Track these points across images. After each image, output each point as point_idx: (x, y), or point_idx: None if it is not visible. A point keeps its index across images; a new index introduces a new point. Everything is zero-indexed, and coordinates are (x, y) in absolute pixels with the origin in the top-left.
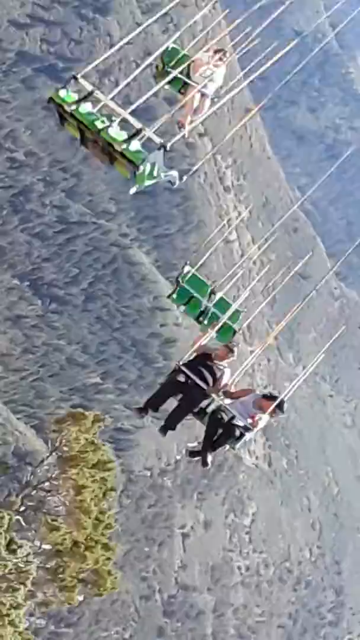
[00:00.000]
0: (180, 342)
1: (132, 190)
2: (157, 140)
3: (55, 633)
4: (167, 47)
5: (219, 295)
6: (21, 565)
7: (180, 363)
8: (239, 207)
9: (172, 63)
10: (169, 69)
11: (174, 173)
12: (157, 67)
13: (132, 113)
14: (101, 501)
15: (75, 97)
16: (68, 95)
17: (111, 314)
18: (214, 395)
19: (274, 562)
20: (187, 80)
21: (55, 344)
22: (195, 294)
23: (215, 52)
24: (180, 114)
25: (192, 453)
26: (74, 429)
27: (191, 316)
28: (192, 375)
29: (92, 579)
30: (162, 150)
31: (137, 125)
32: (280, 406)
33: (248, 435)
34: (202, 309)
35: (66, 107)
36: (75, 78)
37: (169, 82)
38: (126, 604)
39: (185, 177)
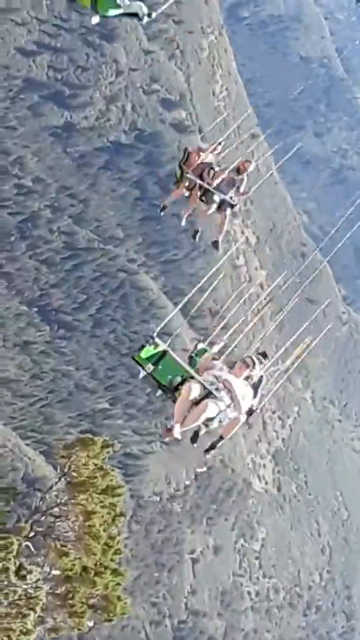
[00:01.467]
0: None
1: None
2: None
3: None
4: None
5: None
6: (31, 591)
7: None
8: (246, 232)
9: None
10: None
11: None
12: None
13: None
14: (110, 526)
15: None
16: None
17: (119, 340)
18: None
19: (283, 587)
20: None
21: (64, 369)
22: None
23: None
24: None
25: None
26: (83, 455)
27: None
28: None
29: (101, 605)
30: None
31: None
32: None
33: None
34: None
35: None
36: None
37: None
38: (136, 629)
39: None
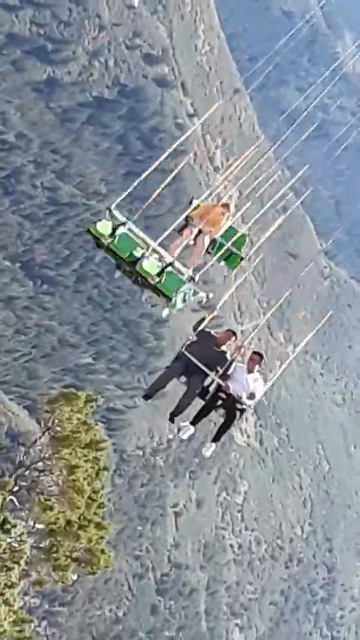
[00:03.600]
0: (172, 322)
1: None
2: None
3: (49, 612)
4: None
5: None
6: (15, 544)
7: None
8: (228, 187)
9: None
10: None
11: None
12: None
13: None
14: (94, 480)
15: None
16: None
17: (102, 295)
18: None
19: (265, 540)
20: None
21: (47, 324)
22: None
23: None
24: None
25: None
26: (67, 409)
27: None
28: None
29: (85, 558)
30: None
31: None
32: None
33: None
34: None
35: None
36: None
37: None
38: (119, 582)
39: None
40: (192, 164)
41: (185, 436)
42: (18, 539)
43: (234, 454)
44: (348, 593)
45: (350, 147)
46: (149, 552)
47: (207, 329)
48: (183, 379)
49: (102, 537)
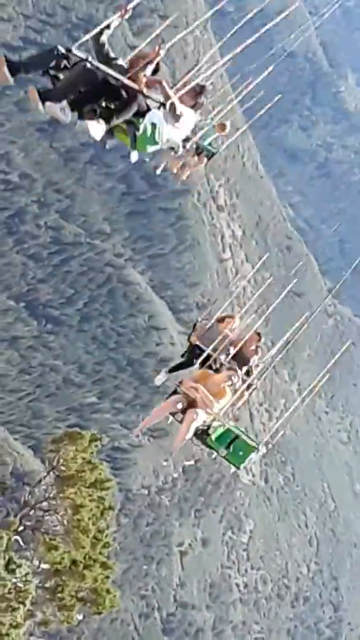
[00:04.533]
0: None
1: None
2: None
3: None
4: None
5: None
6: (20, 584)
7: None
8: (232, 226)
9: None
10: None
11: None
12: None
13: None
14: (99, 520)
15: None
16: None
17: (107, 334)
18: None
19: (272, 579)
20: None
21: (52, 364)
22: None
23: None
24: None
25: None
26: (71, 449)
27: None
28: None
29: (91, 598)
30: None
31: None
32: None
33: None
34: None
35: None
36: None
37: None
38: (125, 622)
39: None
40: (195, 203)
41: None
42: (23, 579)
43: (239, 492)
44: (355, 632)
45: (354, 185)
46: (155, 591)
47: None
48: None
49: (107, 577)
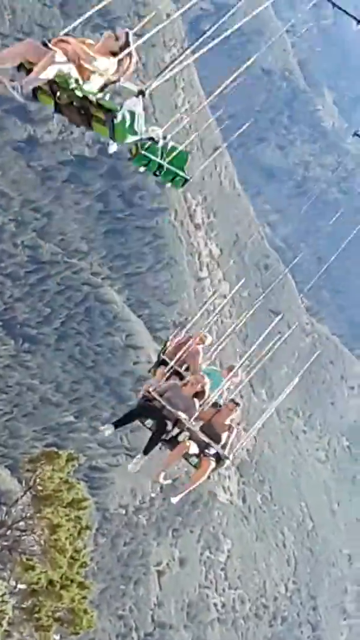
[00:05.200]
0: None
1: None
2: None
3: None
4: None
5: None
6: None
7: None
8: (209, 245)
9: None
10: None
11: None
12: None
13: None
14: (76, 540)
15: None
16: None
17: (84, 353)
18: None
19: (249, 598)
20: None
21: (29, 383)
22: (152, 157)
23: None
24: None
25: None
26: (48, 468)
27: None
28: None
29: (68, 618)
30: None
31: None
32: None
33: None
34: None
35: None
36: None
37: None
38: None
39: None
40: (172, 221)
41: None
42: (0, 599)
43: (217, 512)
44: None
45: (331, 203)
46: (132, 611)
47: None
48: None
49: (84, 597)
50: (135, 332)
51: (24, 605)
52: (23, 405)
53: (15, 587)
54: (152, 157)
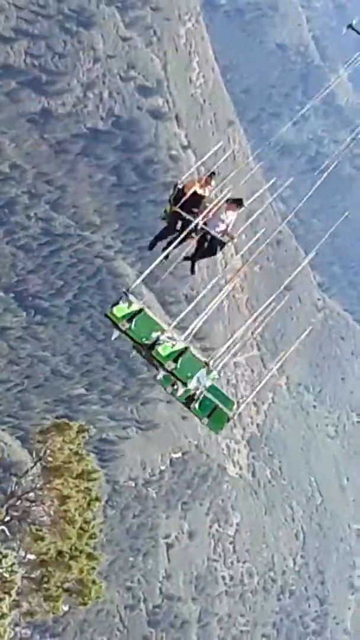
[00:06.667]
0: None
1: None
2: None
3: None
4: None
5: (213, 375)
6: (6, 575)
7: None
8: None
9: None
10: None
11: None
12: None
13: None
14: (85, 511)
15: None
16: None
17: (96, 326)
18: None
19: (258, 572)
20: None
21: (40, 355)
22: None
23: (231, 201)
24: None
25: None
26: (59, 440)
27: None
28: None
29: (76, 589)
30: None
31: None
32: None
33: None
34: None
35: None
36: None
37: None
38: (111, 613)
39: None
40: None
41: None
42: (9, 569)
43: (226, 485)
44: (340, 626)
45: (344, 179)
46: (141, 583)
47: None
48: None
49: (93, 568)
50: (148, 305)
51: (33, 576)
52: (34, 377)
53: (24, 557)
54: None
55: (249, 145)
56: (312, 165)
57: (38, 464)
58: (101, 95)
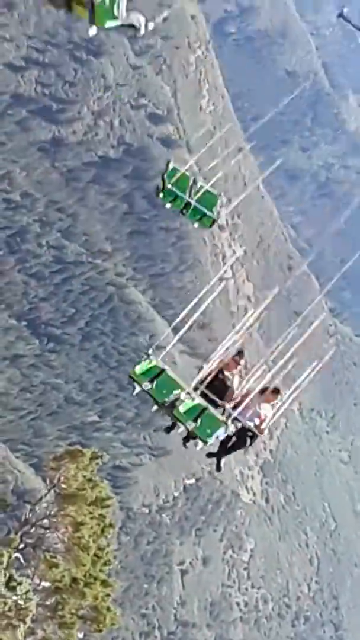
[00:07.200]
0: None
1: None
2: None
3: None
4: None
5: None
6: (21, 602)
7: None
8: (233, 246)
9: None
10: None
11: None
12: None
13: None
14: (100, 538)
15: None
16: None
17: (108, 353)
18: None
19: (272, 598)
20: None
21: (53, 382)
22: (179, 193)
23: (270, 391)
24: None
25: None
26: (72, 467)
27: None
28: (206, 392)
29: (91, 616)
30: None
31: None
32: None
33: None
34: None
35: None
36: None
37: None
38: None
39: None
40: None
41: None
42: (24, 596)
43: (240, 511)
44: None
45: (355, 205)
46: (155, 610)
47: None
48: None
49: (108, 595)
50: (160, 332)
51: (47, 603)
52: (47, 405)
53: (39, 585)
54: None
55: (259, 172)
56: (322, 191)
57: (52, 491)
58: (112, 123)
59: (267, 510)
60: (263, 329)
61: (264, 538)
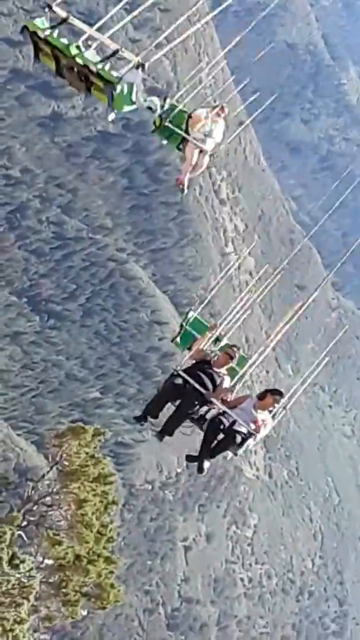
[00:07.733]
0: (179, 355)
1: (111, 117)
2: (134, 58)
3: None
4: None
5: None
6: (24, 580)
7: (179, 368)
8: (234, 220)
9: (170, 118)
10: (167, 124)
11: (155, 99)
12: (154, 122)
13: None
14: (103, 515)
15: (48, 23)
16: (43, 23)
17: (109, 329)
18: (214, 401)
19: (276, 573)
20: (185, 136)
21: (54, 359)
22: (177, 130)
23: (213, 107)
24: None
25: (188, 457)
26: (74, 444)
27: (172, 146)
28: (190, 380)
29: (95, 593)
30: (139, 69)
31: (113, 46)
32: (280, 394)
33: (252, 441)
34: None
35: (40, 34)
36: (49, 7)
37: (167, 138)
38: (130, 617)
39: (166, 105)
40: (197, 197)
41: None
42: (27, 574)
43: (243, 487)
44: None
45: (356, 177)
46: (159, 586)
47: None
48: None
49: (111, 572)
50: (161, 307)
51: (51, 580)
52: (49, 382)
53: (42, 562)
54: (177, 130)
55: (259, 145)
56: (323, 164)
57: (54, 468)
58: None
59: (271, 485)
60: (264, 301)
61: (268, 513)
